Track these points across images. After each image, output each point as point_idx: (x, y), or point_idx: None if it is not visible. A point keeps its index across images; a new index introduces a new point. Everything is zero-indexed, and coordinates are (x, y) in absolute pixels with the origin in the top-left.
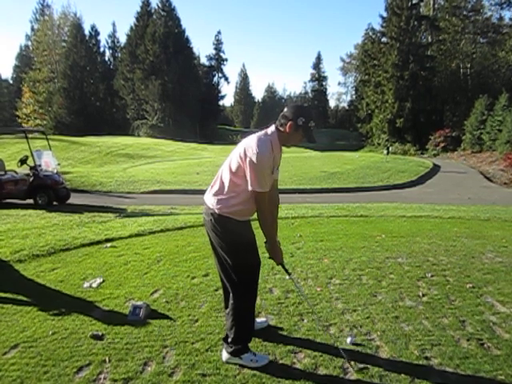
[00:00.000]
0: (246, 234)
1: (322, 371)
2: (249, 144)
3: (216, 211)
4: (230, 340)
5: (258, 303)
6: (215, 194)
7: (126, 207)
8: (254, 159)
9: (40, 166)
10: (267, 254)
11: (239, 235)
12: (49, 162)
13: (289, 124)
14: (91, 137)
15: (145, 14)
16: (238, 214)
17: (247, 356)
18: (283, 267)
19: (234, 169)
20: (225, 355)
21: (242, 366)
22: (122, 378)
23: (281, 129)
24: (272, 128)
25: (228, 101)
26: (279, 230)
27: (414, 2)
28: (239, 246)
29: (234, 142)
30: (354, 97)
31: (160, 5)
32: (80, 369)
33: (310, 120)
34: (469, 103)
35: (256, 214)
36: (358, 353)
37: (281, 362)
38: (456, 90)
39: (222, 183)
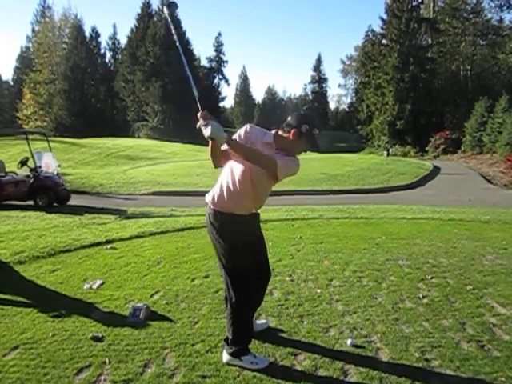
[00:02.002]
0: (246, 231)
1: (322, 373)
2: None
3: (211, 206)
4: (229, 341)
5: None
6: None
7: (126, 209)
8: None
9: (40, 167)
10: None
11: (235, 233)
12: (49, 164)
13: (293, 131)
14: (91, 138)
15: (145, 15)
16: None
17: (247, 358)
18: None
19: None
20: (225, 356)
21: (243, 368)
22: (122, 380)
23: (284, 135)
24: (273, 131)
25: (228, 102)
26: (279, 231)
27: (413, 4)
28: (235, 245)
29: None
30: (354, 99)
31: (160, 6)
32: (80, 370)
33: (314, 127)
34: (469, 105)
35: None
36: (358, 355)
37: (281, 363)
38: (456, 92)
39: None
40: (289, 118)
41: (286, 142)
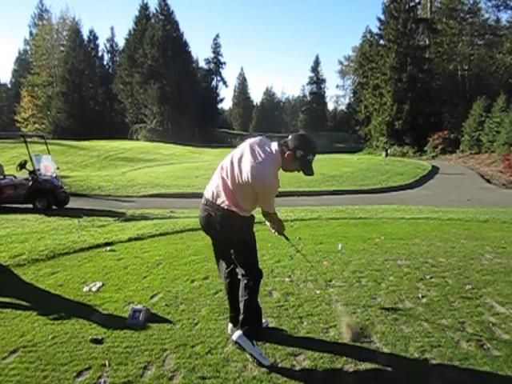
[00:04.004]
0: (240, 222)
1: (321, 373)
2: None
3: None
4: (242, 321)
5: None
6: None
7: (125, 211)
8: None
9: (39, 170)
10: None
11: (231, 223)
12: (48, 166)
13: (287, 153)
14: (90, 141)
15: (143, 17)
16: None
17: (258, 349)
18: (285, 236)
19: None
20: (237, 333)
21: (251, 356)
22: (122, 382)
23: (284, 150)
24: (275, 145)
25: (227, 104)
26: None
27: (411, 4)
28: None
29: (233, 145)
30: (352, 99)
31: (158, 9)
32: (80, 373)
33: (309, 153)
34: (467, 105)
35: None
36: (358, 355)
37: (281, 364)
38: (454, 92)
39: None
40: (289, 137)
41: (282, 159)
